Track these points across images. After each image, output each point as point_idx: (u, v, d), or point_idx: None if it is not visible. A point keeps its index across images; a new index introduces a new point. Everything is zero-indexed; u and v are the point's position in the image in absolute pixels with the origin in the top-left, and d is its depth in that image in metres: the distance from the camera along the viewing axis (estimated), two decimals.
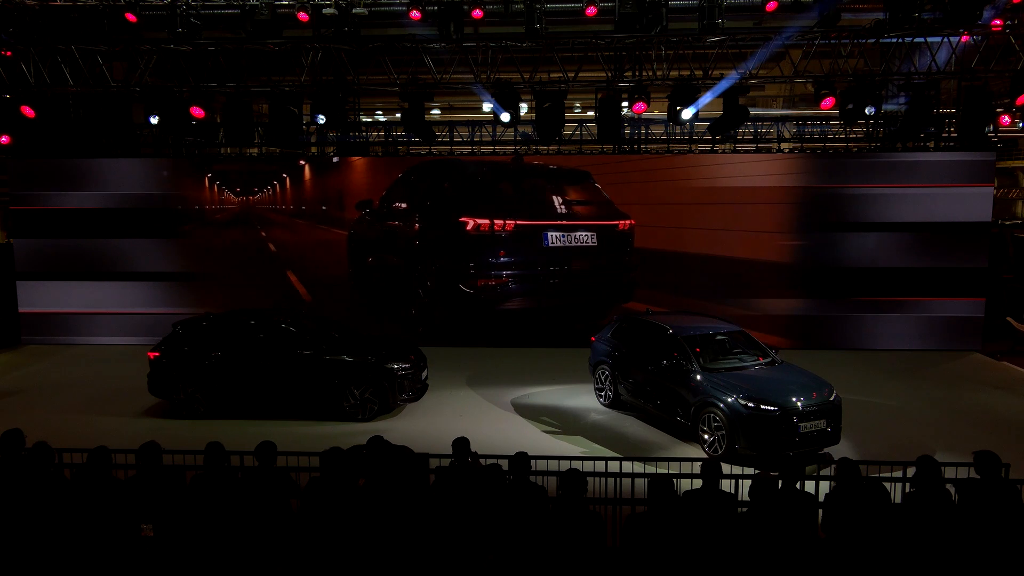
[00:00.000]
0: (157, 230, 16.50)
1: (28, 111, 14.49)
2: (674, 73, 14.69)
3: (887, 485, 6.10)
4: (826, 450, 9.72)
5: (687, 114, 14.04)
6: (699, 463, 6.10)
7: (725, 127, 14.75)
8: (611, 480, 7.38)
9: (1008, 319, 16.09)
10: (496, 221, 15.82)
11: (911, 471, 5.93)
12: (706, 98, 13.92)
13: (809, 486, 7.23)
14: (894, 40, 14.10)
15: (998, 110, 14.33)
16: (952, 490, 5.96)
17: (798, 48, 14.44)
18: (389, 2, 13.93)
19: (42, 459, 6.13)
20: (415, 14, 12.98)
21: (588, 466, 7.38)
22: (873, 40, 13.96)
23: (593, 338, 12.64)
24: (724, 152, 16.64)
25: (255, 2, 13.31)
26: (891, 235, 15.65)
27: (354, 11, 13.29)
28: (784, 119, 17.43)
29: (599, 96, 14.84)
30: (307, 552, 5.59)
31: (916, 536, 5.54)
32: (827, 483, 7.28)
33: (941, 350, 15.65)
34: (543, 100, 14.26)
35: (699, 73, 14.39)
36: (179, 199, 16.49)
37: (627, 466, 8.07)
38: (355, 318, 15.14)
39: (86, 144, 16.33)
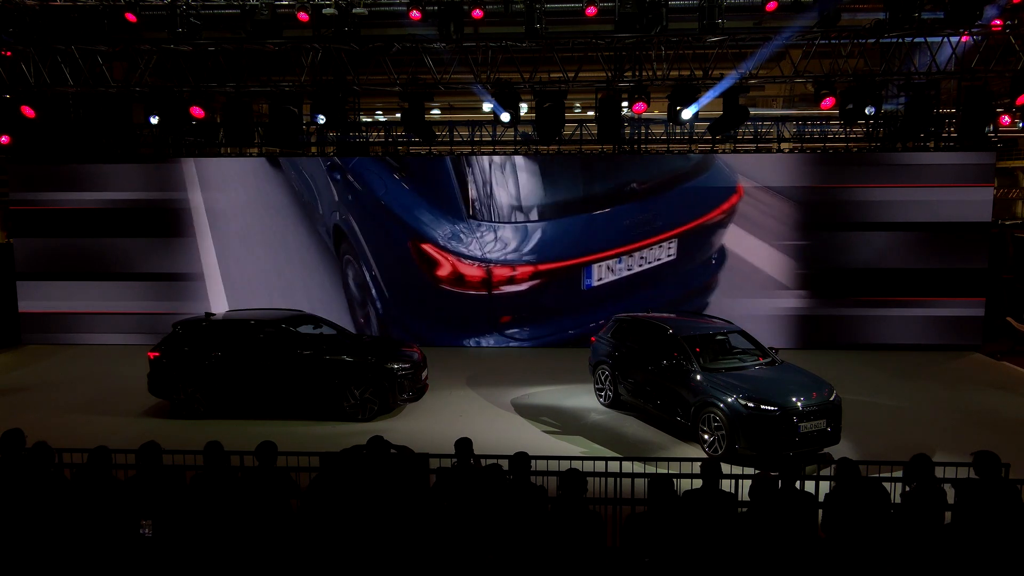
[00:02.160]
0: (157, 230, 16.51)
1: (28, 111, 14.49)
2: (674, 73, 14.69)
3: (887, 485, 6.10)
4: (826, 450, 9.72)
5: (687, 114, 14.03)
6: (699, 463, 6.10)
7: (725, 127, 14.74)
8: (611, 480, 7.37)
9: (1008, 319, 16.09)
10: None
11: None
12: (706, 98, 13.92)
13: (809, 486, 7.23)
14: (894, 40, 14.09)
15: (998, 110, 14.32)
16: (949, 489, 5.96)
17: (798, 48, 14.43)
18: (389, 2, 13.93)
19: (42, 459, 6.13)
20: (415, 14, 12.98)
21: (588, 466, 7.37)
22: (873, 40, 13.96)
23: (593, 338, 12.64)
24: (724, 152, 16.65)
25: (255, 2, 13.31)
26: (891, 235, 15.65)
27: (354, 11, 13.29)
28: (784, 119, 17.43)
29: (599, 96, 14.84)
30: (307, 552, 5.59)
31: (915, 535, 5.54)
32: (827, 483, 7.28)
33: (941, 350, 15.65)
34: (543, 100, 14.26)
35: (699, 73, 14.40)
36: (178, 199, 16.49)
37: (627, 466, 8.06)
38: None
39: (86, 144, 16.34)
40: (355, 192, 16.03)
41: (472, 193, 15.69)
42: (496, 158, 15.78)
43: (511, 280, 15.71)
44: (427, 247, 15.81)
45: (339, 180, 16.09)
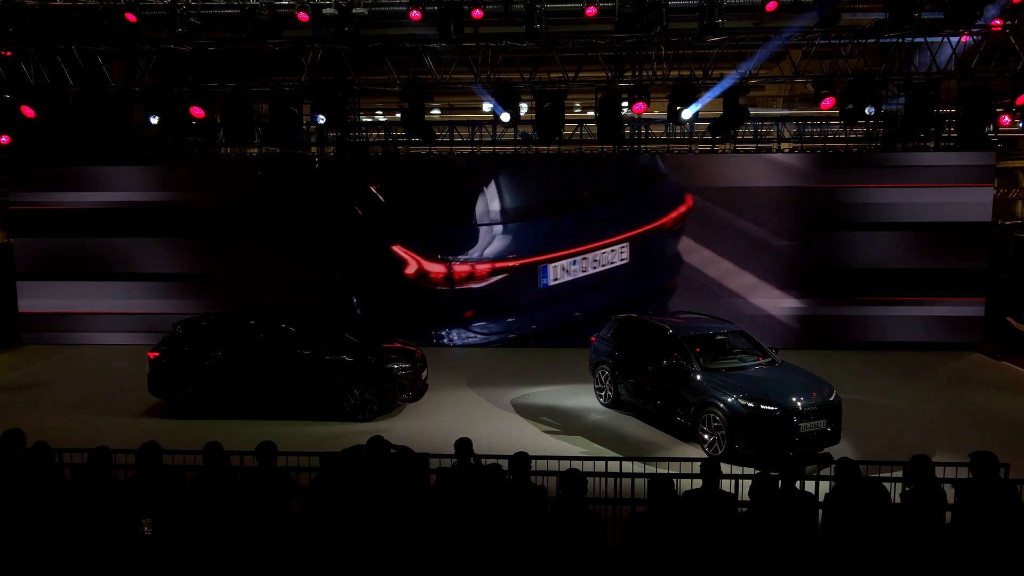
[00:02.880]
0: (157, 230, 16.51)
1: (28, 111, 14.48)
2: (674, 73, 14.68)
3: (887, 485, 6.11)
4: (826, 450, 9.72)
5: (687, 114, 14.03)
6: (699, 463, 6.10)
7: (725, 127, 14.73)
8: (611, 480, 7.38)
9: (1008, 319, 16.09)
10: None
11: None
12: (706, 98, 13.91)
13: (809, 486, 7.24)
14: (894, 40, 14.09)
15: (998, 110, 14.31)
16: (949, 490, 5.96)
17: (798, 48, 14.42)
18: (389, 2, 13.92)
19: (42, 459, 6.13)
20: (415, 14, 12.97)
21: (588, 466, 7.37)
22: (873, 40, 13.95)
23: (593, 338, 12.64)
24: (724, 152, 16.64)
25: (255, 2, 13.30)
26: (891, 235, 15.63)
27: (354, 11, 13.28)
28: (784, 119, 17.42)
29: (599, 96, 14.82)
30: (307, 552, 5.59)
31: (915, 535, 5.54)
32: (827, 483, 7.28)
33: (941, 350, 15.64)
34: (543, 100, 14.25)
35: (699, 73, 14.39)
36: (177, 200, 16.49)
37: (627, 466, 8.06)
38: None
39: (86, 144, 16.33)
40: (336, 197, 16.50)
41: (439, 193, 16.35)
42: (458, 159, 16.40)
43: (471, 276, 16.42)
44: (396, 248, 16.44)
45: (323, 188, 16.51)
